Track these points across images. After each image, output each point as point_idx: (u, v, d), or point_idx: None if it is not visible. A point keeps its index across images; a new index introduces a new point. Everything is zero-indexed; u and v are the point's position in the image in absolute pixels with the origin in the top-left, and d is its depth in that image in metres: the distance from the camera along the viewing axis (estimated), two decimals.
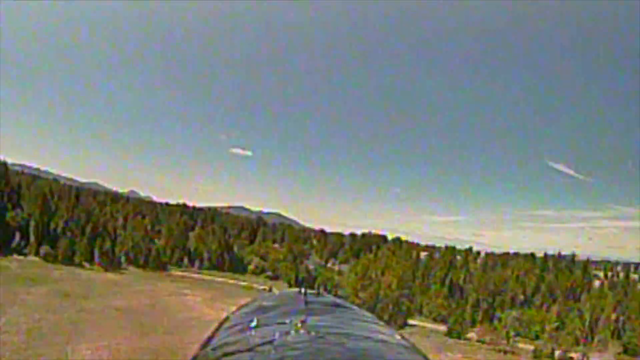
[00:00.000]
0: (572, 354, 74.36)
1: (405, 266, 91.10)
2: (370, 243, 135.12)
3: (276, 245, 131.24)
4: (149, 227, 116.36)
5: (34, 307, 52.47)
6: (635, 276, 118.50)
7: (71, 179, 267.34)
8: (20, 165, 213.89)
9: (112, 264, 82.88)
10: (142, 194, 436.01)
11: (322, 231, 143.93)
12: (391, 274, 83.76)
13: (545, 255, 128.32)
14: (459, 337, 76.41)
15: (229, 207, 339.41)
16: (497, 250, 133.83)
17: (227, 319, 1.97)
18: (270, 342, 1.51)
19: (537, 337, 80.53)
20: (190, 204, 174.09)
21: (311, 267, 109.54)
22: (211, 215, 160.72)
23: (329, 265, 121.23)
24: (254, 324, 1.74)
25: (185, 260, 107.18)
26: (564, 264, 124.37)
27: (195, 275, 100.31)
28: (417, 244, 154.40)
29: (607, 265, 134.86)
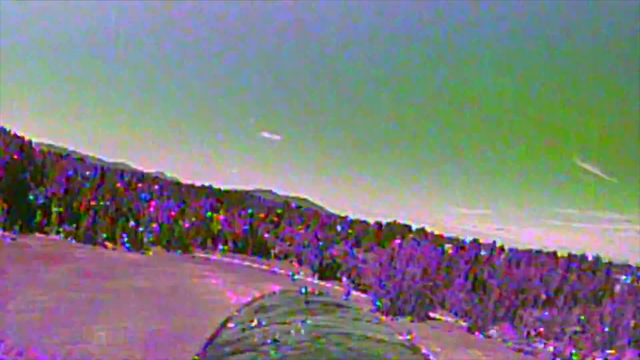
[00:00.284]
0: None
1: (429, 258, 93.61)
2: (395, 232, 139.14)
3: (302, 231, 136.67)
4: (174, 208, 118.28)
5: (51, 287, 55.51)
6: None
7: (98, 159, 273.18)
8: (47, 145, 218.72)
9: (135, 244, 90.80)
10: (169, 175, 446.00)
11: (348, 218, 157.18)
12: (415, 265, 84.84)
13: (570, 255, 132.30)
14: (480, 334, 76.76)
15: (256, 191, 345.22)
16: (520, 246, 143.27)
17: (229, 318, 1.93)
18: (271, 342, 1.51)
19: (556, 339, 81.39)
20: (217, 186, 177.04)
21: (335, 253, 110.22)
22: (237, 198, 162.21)
23: (353, 252, 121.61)
24: (254, 323, 1.71)
25: (209, 242, 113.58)
26: (587, 265, 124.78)
27: (219, 258, 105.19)
28: (442, 236, 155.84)
29: (628, 269, 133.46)
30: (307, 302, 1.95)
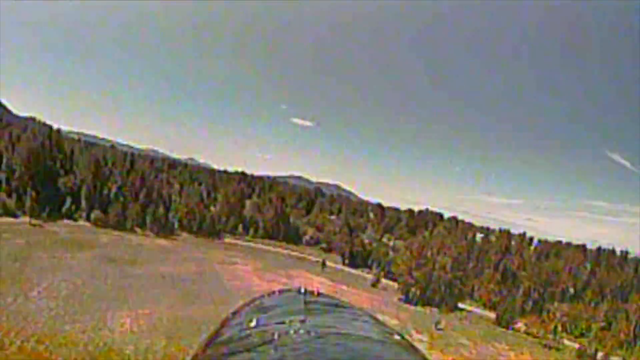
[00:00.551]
0: (614, 358, 71.76)
1: (460, 247, 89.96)
2: (426, 220, 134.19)
3: (332, 217, 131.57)
4: (204, 194, 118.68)
5: (77, 273, 52.62)
6: None
7: (129, 146, 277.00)
8: (77, 133, 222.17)
9: (164, 229, 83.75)
10: (201, 161, 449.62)
11: (380, 205, 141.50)
12: (446, 255, 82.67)
13: (599, 248, 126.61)
14: (507, 327, 75.00)
15: (288, 177, 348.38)
16: (550, 237, 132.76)
17: (227, 318, 1.84)
18: (270, 342, 1.49)
19: (582, 335, 78.98)
20: (248, 172, 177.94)
21: (366, 240, 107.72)
22: (269, 184, 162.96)
23: (384, 240, 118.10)
24: (253, 323, 1.68)
25: (240, 228, 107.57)
26: (616, 260, 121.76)
27: (249, 244, 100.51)
28: (472, 225, 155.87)
29: None
30: (306, 302, 1.80)
